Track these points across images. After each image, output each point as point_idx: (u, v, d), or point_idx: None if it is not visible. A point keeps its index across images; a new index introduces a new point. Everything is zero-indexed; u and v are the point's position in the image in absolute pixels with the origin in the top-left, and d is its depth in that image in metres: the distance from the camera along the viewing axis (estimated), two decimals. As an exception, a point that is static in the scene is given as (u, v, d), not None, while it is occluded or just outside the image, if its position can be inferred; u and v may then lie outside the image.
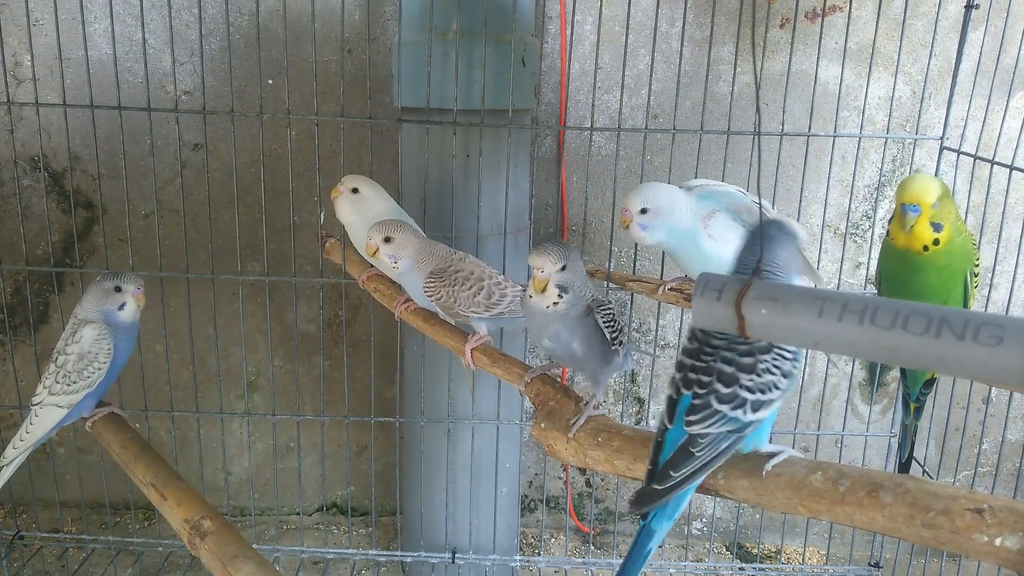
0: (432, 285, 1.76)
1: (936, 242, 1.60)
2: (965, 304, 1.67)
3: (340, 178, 2.01)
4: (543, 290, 1.38)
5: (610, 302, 1.45)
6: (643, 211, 1.76)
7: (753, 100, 2.59)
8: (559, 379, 1.54)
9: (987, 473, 2.90)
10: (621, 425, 1.32)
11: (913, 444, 1.90)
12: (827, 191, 2.49)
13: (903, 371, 1.86)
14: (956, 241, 1.61)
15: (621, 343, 1.46)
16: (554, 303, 1.39)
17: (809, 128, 2.36)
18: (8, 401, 2.86)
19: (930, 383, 1.82)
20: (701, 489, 1.15)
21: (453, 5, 2.16)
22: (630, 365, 1.61)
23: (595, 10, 2.55)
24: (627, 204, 1.76)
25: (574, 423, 1.34)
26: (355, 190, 1.95)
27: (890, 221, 1.67)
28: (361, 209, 1.96)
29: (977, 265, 1.65)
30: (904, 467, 1.92)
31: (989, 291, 2.55)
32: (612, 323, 1.44)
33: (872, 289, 2.75)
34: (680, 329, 2.71)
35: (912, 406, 1.86)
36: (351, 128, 2.62)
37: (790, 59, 2.36)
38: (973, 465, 2.85)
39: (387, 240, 1.77)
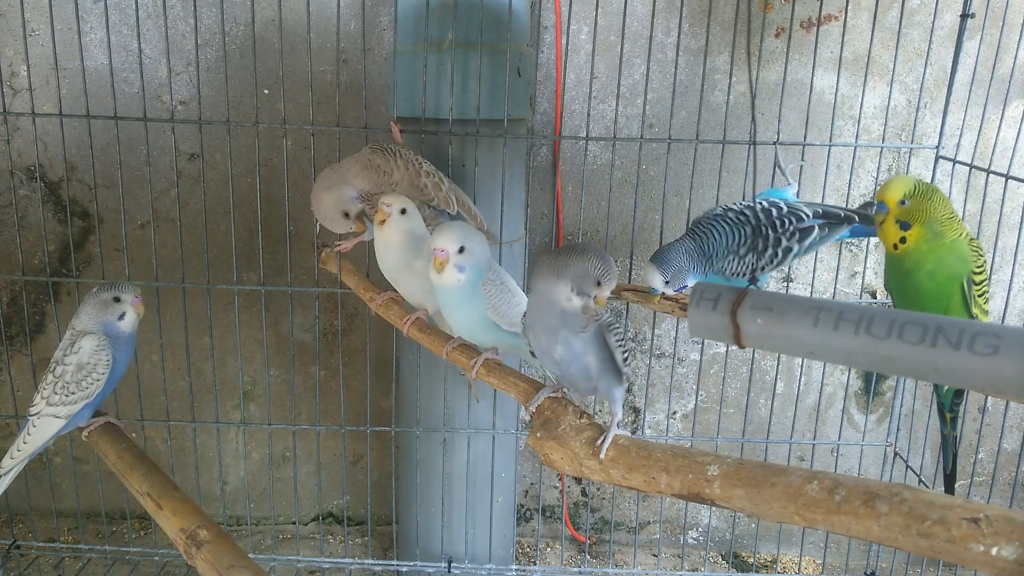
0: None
1: (903, 240, 1.60)
2: (969, 314, 1.66)
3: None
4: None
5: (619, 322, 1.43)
6: None
7: (749, 109, 2.60)
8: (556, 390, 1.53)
9: (983, 483, 2.90)
10: (617, 434, 1.32)
11: (955, 455, 1.88)
12: (823, 200, 2.49)
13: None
14: (939, 243, 1.59)
15: (628, 364, 1.44)
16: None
17: (805, 137, 2.37)
18: (4, 411, 2.85)
19: (960, 392, 1.80)
20: (696, 498, 1.14)
21: (448, 15, 2.17)
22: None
23: (590, 20, 2.55)
24: None
25: (601, 443, 1.30)
26: (404, 211, 1.87)
27: None
28: (411, 228, 1.88)
29: (978, 272, 1.63)
30: (949, 478, 1.91)
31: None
32: (623, 343, 1.42)
33: (868, 298, 2.75)
34: (675, 338, 2.71)
35: (948, 416, 1.84)
36: (347, 138, 2.61)
37: (786, 68, 2.37)
38: (969, 475, 2.85)
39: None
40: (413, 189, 2.00)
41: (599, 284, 1.33)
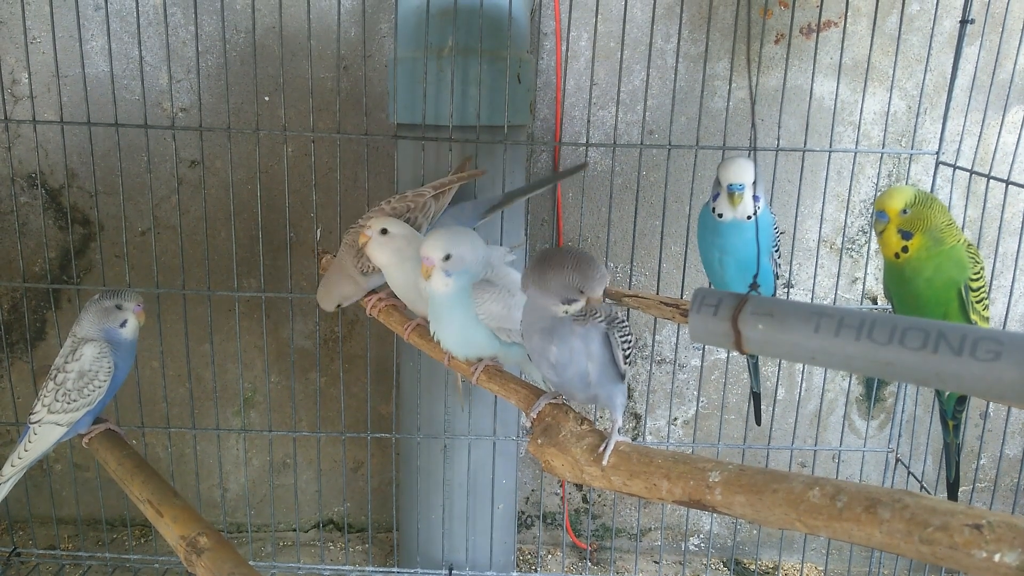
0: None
1: (905, 249, 1.62)
2: (967, 320, 1.66)
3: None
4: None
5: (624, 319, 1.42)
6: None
7: (749, 116, 2.60)
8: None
9: (985, 488, 2.90)
10: (618, 441, 1.32)
11: (958, 463, 1.87)
12: (823, 206, 2.50)
13: (937, 390, 1.84)
14: (939, 251, 1.60)
15: (629, 363, 1.43)
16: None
17: (805, 143, 2.37)
18: (5, 418, 2.85)
19: (962, 400, 1.81)
20: (697, 504, 1.14)
21: (449, 22, 2.17)
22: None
23: (590, 26, 2.56)
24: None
25: (603, 450, 1.30)
26: (384, 231, 1.84)
27: None
28: (397, 247, 1.84)
29: (976, 279, 1.64)
30: (952, 487, 1.90)
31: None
32: (628, 341, 1.41)
33: (869, 304, 2.75)
34: (676, 344, 2.71)
35: (950, 424, 1.84)
36: (347, 145, 2.62)
37: (785, 74, 2.37)
38: (971, 481, 2.85)
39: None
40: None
41: (582, 292, 1.32)
